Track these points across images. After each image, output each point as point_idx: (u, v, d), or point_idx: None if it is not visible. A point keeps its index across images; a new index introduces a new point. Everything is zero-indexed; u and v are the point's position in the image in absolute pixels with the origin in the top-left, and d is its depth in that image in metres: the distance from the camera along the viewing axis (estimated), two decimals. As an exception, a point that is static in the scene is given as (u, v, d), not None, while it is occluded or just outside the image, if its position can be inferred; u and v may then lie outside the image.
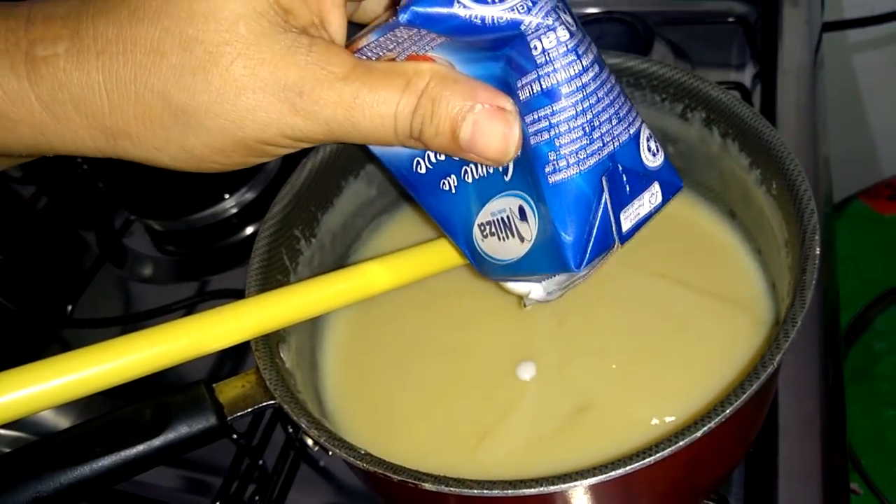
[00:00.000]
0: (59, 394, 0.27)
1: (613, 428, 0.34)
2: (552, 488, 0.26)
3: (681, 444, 0.26)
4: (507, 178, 0.29)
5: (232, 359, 0.50)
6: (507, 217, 0.30)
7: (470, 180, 0.31)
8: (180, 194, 0.58)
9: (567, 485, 0.26)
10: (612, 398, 0.35)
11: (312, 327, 0.40)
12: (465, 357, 0.39)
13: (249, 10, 0.23)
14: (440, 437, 0.36)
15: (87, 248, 0.63)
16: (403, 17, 0.25)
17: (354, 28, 0.28)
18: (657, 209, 0.30)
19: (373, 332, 0.41)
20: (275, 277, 0.36)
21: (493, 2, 0.25)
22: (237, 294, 0.49)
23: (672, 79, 0.38)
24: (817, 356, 0.42)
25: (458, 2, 0.24)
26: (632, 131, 0.28)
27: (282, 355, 0.33)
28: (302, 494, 0.44)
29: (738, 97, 0.36)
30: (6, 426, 0.52)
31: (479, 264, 0.33)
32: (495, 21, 0.25)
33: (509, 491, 0.26)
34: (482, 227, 0.32)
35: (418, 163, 0.32)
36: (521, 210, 0.29)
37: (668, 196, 0.30)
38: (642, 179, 0.29)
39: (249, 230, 0.59)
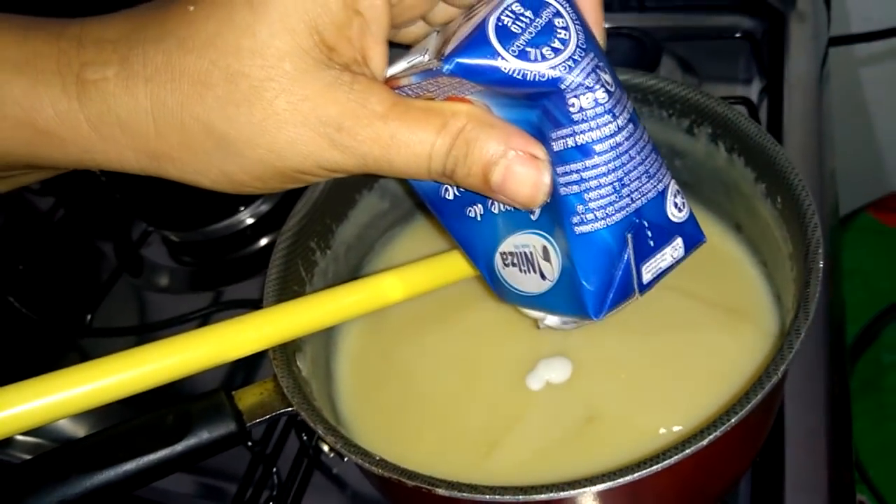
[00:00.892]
0: (82, 402, 0.28)
1: (621, 437, 0.35)
2: (562, 494, 0.27)
3: (687, 452, 0.27)
4: (533, 218, 0.30)
5: (244, 370, 0.51)
6: (531, 253, 0.31)
7: (496, 211, 0.32)
8: (197, 206, 0.59)
9: (576, 491, 0.27)
10: (620, 408, 0.36)
11: (327, 337, 0.41)
12: (475, 367, 0.39)
13: (295, 47, 0.24)
14: (450, 447, 0.37)
15: (105, 259, 0.64)
16: (447, 68, 0.25)
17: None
18: (678, 262, 0.31)
19: (385, 343, 0.42)
20: (291, 288, 0.37)
21: (537, 59, 0.25)
22: (252, 304, 0.50)
23: (678, 95, 0.39)
24: (823, 368, 0.43)
25: (502, 57, 0.25)
26: (660, 188, 0.29)
27: (298, 364, 0.34)
28: (315, 501, 0.45)
29: (743, 113, 0.37)
30: (27, 433, 0.53)
31: (497, 288, 0.34)
32: (536, 77, 0.25)
33: (520, 497, 0.27)
34: (504, 256, 0.32)
35: (446, 190, 0.33)
36: (545, 250, 0.30)
37: (689, 250, 0.31)
38: (666, 234, 0.30)
39: (264, 241, 0.60)
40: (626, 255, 0.29)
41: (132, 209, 0.63)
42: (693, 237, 0.31)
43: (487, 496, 0.27)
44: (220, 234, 0.60)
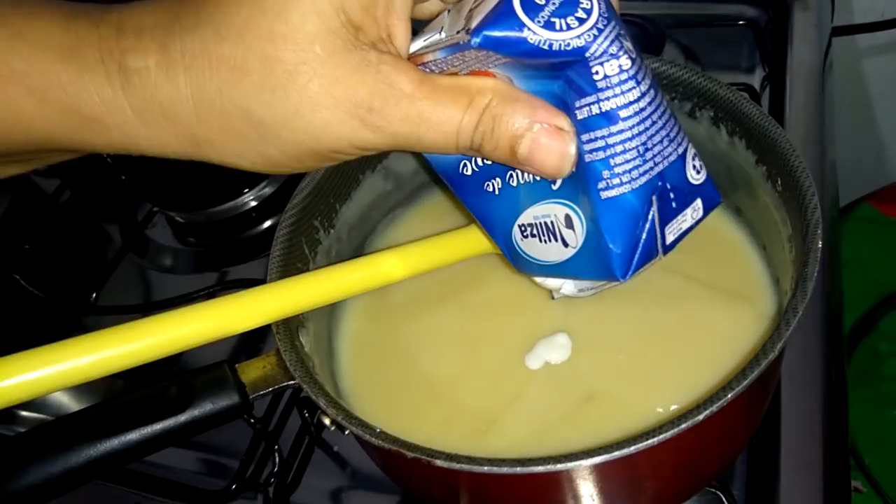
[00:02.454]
0: (86, 371, 0.28)
1: (619, 416, 0.35)
2: (559, 466, 0.27)
3: (683, 426, 0.27)
4: (554, 187, 0.30)
5: (247, 345, 0.52)
6: (551, 222, 0.31)
7: (515, 184, 0.32)
8: (201, 187, 0.60)
9: (573, 463, 0.27)
10: (618, 387, 0.36)
11: (329, 315, 0.41)
12: (475, 346, 0.40)
13: (324, 30, 0.24)
14: (450, 424, 0.37)
15: (110, 240, 0.65)
16: (475, 41, 0.26)
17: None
18: (698, 222, 0.32)
19: (386, 322, 0.42)
20: (295, 265, 0.38)
21: (562, 28, 0.26)
22: (255, 284, 0.50)
23: (681, 78, 0.39)
24: (820, 354, 0.43)
25: (528, 28, 0.25)
26: (680, 151, 0.30)
27: (301, 339, 0.35)
28: (316, 478, 0.45)
29: (745, 96, 0.37)
30: (28, 408, 0.53)
31: (515, 260, 0.35)
32: (562, 47, 0.26)
33: (518, 469, 0.27)
34: (523, 228, 0.33)
35: (465, 165, 0.34)
36: (568, 218, 0.31)
37: (708, 210, 0.32)
38: (687, 195, 0.31)
39: (268, 223, 0.61)
40: (650, 217, 0.29)
41: (138, 190, 0.63)
42: (711, 198, 0.32)
43: (485, 467, 0.28)
44: (225, 215, 0.61)
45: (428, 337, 0.41)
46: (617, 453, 0.27)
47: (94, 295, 0.56)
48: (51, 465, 0.29)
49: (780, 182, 0.35)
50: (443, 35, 0.27)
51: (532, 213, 0.32)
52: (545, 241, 0.32)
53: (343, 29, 0.25)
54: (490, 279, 0.42)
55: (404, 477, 0.36)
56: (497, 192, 0.33)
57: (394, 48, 0.26)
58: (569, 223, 0.31)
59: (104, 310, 0.57)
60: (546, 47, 0.26)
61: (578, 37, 0.26)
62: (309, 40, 0.24)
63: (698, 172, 0.31)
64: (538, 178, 0.31)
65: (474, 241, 0.39)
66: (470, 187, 0.34)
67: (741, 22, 0.62)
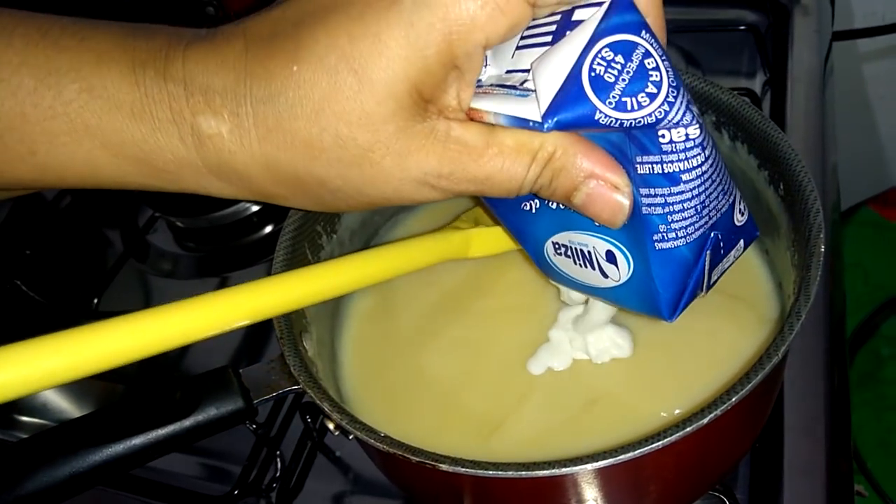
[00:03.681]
0: (88, 364, 0.27)
1: (622, 421, 0.35)
2: (564, 470, 0.27)
3: (688, 429, 0.27)
4: (596, 223, 0.30)
5: (248, 356, 0.52)
6: (589, 252, 0.31)
7: (554, 207, 0.32)
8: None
9: (578, 467, 0.27)
10: (621, 392, 0.36)
11: (332, 320, 0.41)
12: (477, 353, 0.40)
13: (397, 109, 0.25)
14: (453, 429, 0.37)
15: (111, 245, 0.65)
16: (548, 126, 0.25)
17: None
18: (737, 258, 0.32)
19: (388, 328, 0.42)
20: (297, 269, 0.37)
21: (633, 108, 0.25)
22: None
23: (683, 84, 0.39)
24: (823, 358, 0.43)
25: (600, 111, 0.25)
26: (730, 200, 0.30)
27: (304, 344, 0.35)
28: (318, 483, 0.45)
29: (746, 101, 0.37)
30: (28, 414, 0.53)
31: (545, 269, 0.35)
32: (633, 125, 0.26)
33: (523, 472, 0.27)
34: (556, 246, 0.33)
35: None
36: (610, 254, 0.31)
37: (747, 246, 0.32)
38: (734, 239, 0.31)
39: (268, 229, 0.61)
40: (700, 266, 0.30)
41: (139, 195, 0.63)
42: (751, 234, 0.32)
43: (490, 472, 0.28)
44: (226, 220, 0.61)
45: (428, 342, 0.41)
46: (623, 456, 0.27)
47: (96, 301, 0.56)
48: (57, 469, 0.29)
49: (782, 187, 0.36)
50: (483, 72, 0.27)
51: (568, 237, 0.32)
52: (580, 265, 0.32)
53: (415, 106, 0.25)
54: (492, 285, 0.42)
55: (408, 481, 0.36)
56: (534, 211, 0.33)
57: (461, 114, 0.27)
58: (611, 259, 0.31)
59: (106, 315, 0.57)
60: (617, 126, 0.26)
61: (649, 115, 0.25)
62: (383, 121, 0.25)
63: (742, 214, 0.31)
64: None
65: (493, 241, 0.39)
66: (507, 206, 0.34)
67: (742, 27, 0.62)
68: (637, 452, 0.27)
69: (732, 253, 0.31)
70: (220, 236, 0.61)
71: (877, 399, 0.61)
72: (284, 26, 0.25)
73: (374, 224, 0.45)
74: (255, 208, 0.61)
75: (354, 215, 0.43)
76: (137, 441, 0.30)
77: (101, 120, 0.25)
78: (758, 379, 0.28)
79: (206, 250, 0.61)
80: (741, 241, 0.32)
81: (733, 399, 0.28)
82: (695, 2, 0.65)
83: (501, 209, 0.34)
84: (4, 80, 0.25)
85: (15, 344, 0.26)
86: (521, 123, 0.26)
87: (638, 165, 0.28)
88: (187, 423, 0.30)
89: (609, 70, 0.25)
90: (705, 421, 0.27)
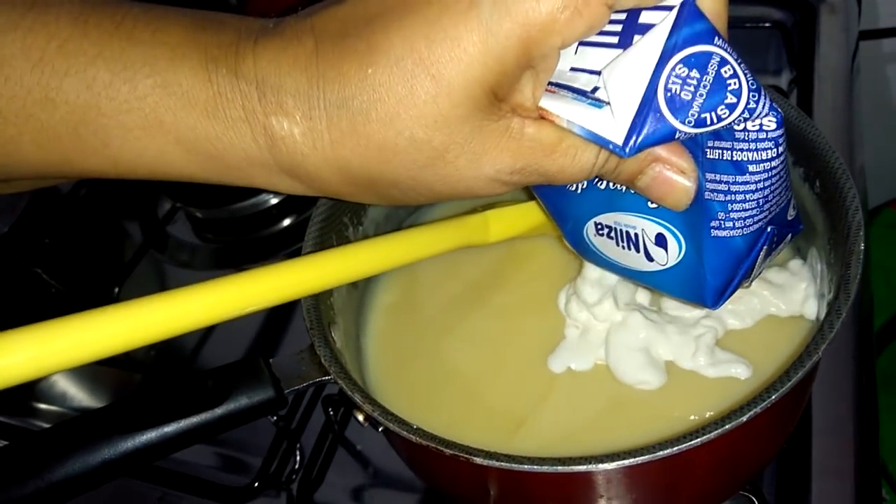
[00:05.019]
0: (118, 341, 0.27)
1: (651, 422, 0.34)
2: (601, 466, 0.27)
3: (727, 427, 0.27)
4: (651, 205, 0.30)
5: (269, 347, 0.52)
6: (636, 234, 0.31)
7: (602, 187, 0.31)
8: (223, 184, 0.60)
9: (615, 463, 0.27)
10: (649, 394, 0.36)
11: (357, 313, 0.41)
12: (502, 348, 0.40)
13: (473, 111, 0.25)
14: (477, 425, 0.37)
15: (129, 236, 0.65)
16: (629, 151, 0.25)
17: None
18: (780, 251, 0.32)
19: (411, 322, 0.42)
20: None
21: (713, 122, 0.25)
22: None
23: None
24: (851, 358, 0.43)
25: (680, 130, 0.24)
26: (788, 196, 0.30)
27: (333, 336, 0.35)
28: (339, 477, 0.45)
29: (779, 96, 0.37)
30: (47, 402, 0.53)
31: (580, 248, 0.34)
32: (714, 131, 0.25)
33: (559, 467, 0.27)
34: (599, 226, 0.33)
35: None
36: (660, 237, 0.30)
37: (791, 240, 0.32)
38: (785, 234, 0.31)
39: (287, 221, 0.61)
40: (752, 258, 0.30)
41: (158, 185, 0.63)
42: (796, 229, 0.32)
43: (525, 466, 0.28)
44: (245, 212, 0.60)
45: (453, 335, 0.41)
46: (661, 453, 0.27)
47: (117, 290, 0.56)
48: (89, 456, 0.29)
49: (818, 184, 0.35)
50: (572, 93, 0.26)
51: (614, 218, 0.32)
52: (623, 247, 0.32)
53: (490, 106, 0.25)
54: (515, 279, 0.42)
55: (434, 474, 0.36)
56: (580, 191, 0.32)
57: (534, 112, 0.26)
58: (661, 242, 0.30)
59: (126, 305, 0.57)
60: (696, 137, 0.25)
61: (728, 127, 0.25)
62: (459, 123, 0.25)
63: (794, 209, 0.31)
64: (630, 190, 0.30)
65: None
66: (552, 185, 0.33)
67: (768, 24, 0.61)
68: (675, 449, 0.27)
69: (781, 246, 0.31)
70: (239, 228, 0.61)
71: (899, 402, 0.61)
72: (355, 25, 0.25)
73: (399, 217, 0.45)
74: (274, 200, 0.61)
75: (380, 208, 0.43)
76: (169, 429, 0.29)
77: (176, 116, 0.25)
78: (798, 376, 0.28)
79: (225, 241, 0.61)
80: (789, 235, 0.31)
81: (773, 397, 0.27)
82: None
83: (544, 188, 0.34)
84: (80, 71, 0.25)
85: (38, 323, 0.26)
86: (601, 142, 0.25)
87: (708, 150, 0.27)
88: (219, 411, 0.30)
89: (685, 87, 0.24)
90: (744, 419, 0.27)
